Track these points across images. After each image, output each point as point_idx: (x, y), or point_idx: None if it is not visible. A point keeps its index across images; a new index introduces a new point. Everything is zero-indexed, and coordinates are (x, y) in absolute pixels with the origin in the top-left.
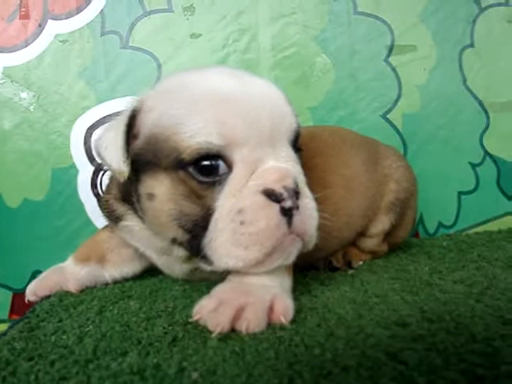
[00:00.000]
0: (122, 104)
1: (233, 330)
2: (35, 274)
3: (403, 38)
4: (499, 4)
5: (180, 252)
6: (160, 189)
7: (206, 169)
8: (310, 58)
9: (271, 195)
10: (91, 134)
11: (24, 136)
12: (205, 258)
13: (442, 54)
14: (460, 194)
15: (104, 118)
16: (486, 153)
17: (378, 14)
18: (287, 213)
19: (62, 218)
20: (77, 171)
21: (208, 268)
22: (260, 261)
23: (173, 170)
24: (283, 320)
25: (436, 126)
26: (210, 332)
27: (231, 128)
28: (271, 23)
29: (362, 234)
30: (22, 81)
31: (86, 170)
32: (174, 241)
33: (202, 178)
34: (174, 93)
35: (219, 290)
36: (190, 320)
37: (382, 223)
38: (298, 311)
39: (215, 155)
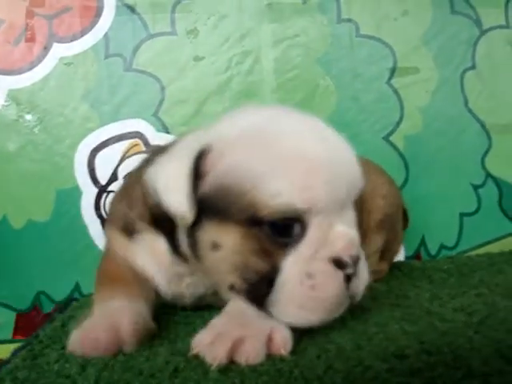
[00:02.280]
0: (125, 126)
1: (232, 361)
2: (39, 295)
3: (405, 60)
4: (500, 27)
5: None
6: (228, 240)
7: (282, 229)
8: (313, 80)
9: (339, 263)
10: (95, 157)
11: (28, 158)
12: (265, 311)
13: (443, 76)
14: (462, 215)
15: (108, 140)
16: (488, 174)
17: (381, 36)
18: (348, 278)
19: (65, 239)
20: (80, 193)
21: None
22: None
23: (246, 224)
24: (283, 351)
25: (438, 148)
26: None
27: (315, 194)
28: (274, 46)
29: None
30: (26, 103)
31: (89, 192)
32: (231, 287)
33: (276, 238)
34: (254, 144)
35: (216, 322)
36: (189, 354)
37: (375, 242)
38: (298, 341)
39: (294, 218)
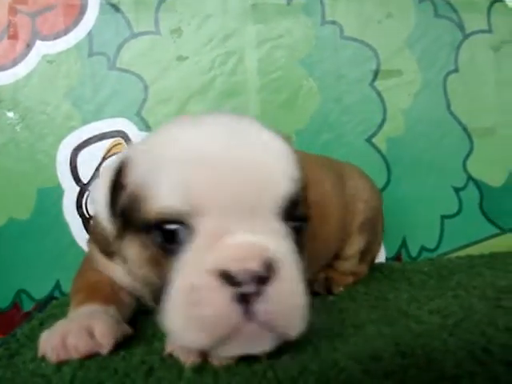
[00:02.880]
0: (108, 125)
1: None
2: (19, 293)
3: (389, 62)
4: (483, 31)
5: None
6: (130, 251)
7: (168, 235)
8: (297, 81)
9: (228, 278)
10: (77, 155)
11: (10, 155)
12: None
13: (426, 79)
14: (443, 217)
15: (90, 138)
16: (470, 177)
17: (364, 39)
18: (245, 299)
19: (46, 237)
20: (62, 191)
21: None
22: (209, 346)
23: (142, 233)
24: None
25: (420, 150)
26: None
27: (196, 193)
28: (258, 46)
29: (338, 256)
30: (8, 100)
31: (71, 191)
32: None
33: (164, 245)
34: (155, 149)
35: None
36: (164, 354)
37: (356, 244)
38: None
39: (177, 221)
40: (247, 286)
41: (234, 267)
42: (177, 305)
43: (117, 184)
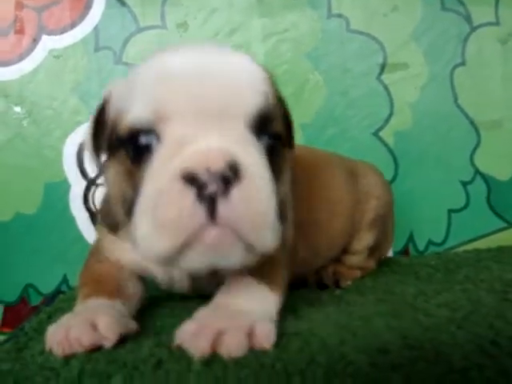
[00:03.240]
0: None
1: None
2: (27, 288)
3: (395, 56)
4: (490, 23)
5: None
6: (109, 174)
7: (140, 147)
8: (303, 75)
9: (191, 179)
10: (84, 150)
11: (17, 150)
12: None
13: (433, 72)
14: (450, 211)
15: None
16: (477, 171)
17: (371, 32)
18: (209, 200)
19: (53, 232)
20: (69, 186)
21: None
22: (174, 252)
23: (116, 152)
24: (265, 345)
25: (427, 144)
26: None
27: (164, 102)
28: (264, 40)
29: (346, 251)
30: (15, 95)
31: (78, 185)
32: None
33: (134, 157)
34: (131, 77)
35: (200, 315)
36: (173, 346)
37: (365, 240)
38: (281, 334)
39: (147, 131)
40: (211, 186)
41: (197, 168)
42: (143, 211)
43: (100, 121)
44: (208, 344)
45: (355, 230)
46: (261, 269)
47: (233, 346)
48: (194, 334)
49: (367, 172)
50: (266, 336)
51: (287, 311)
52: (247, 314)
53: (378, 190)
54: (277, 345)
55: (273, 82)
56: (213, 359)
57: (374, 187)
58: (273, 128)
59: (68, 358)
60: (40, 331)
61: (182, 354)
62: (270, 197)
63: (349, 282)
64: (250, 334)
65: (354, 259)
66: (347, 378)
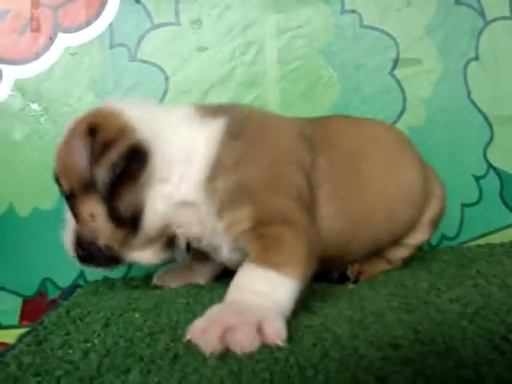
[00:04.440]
0: None
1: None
2: (45, 282)
3: (408, 51)
4: (504, 18)
5: None
6: None
7: None
8: (316, 70)
9: None
10: None
11: (34, 147)
12: None
13: (446, 68)
14: (463, 205)
15: None
16: (490, 165)
17: (384, 27)
18: None
19: None
20: None
21: None
22: None
23: None
24: (277, 341)
25: (440, 139)
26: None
27: None
28: (278, 36)
29: (399, 243)
30: (32, 93)
31: None
32: None
33: None
34: None
35: (212, 311)
36: (184, 340)
37: (420, 237)
38: (295, 329)
39: None
40: None
41: None
42: None
43: None
44: (216, 340)
45: (415, 226)
46: (269, 253)
47: (244, 342)
48: (204, 329)
49: (431, 171)
50: (274, 333)
51: (300, 306)
52: (256, 310)
53: (441, 191)
54: (290, 339)
55: None
56: (227, 354)
57: (438, 187)
58: None
59: (87, 352)
60: (59, 325)
61: (198, 349)
62: None
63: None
64: (260, 330)
65: (400, 252)
66: (359, 372)
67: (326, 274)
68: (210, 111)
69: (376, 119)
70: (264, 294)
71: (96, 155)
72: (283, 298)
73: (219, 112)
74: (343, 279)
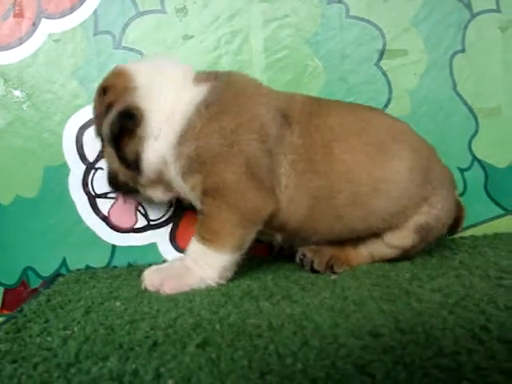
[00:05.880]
0: None
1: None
2: (26, 270)
3: (395, 42)
4: (491, 10)
5: None
6: None
7: None
8: (302, 60)
9: None
10: (83, 133)
11: (17, 134)
12: None
13: (432, 59)
14: None
15: None
16: (474, 158)
17: (370, 18)
18: None
19: (53, 215)
20: (68, 170)
21: None
22: None
23: None
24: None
25: (425, 131)
26: (190, 337)
27: None
28: (264, 26)
29: (381, 239)
30: (15, 79)
31: (77, 169)
32: None
33: None
34: None
35: (162, 265)
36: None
37: (404, 240)
38: (276, 317)
39: None
40: None
41: None
42: None
43: None
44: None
45: (398, 223)
46: (203, 230)
47: (166, 288)
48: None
49: (437, 175)
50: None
51: (282, 295)
52: (181, 272)
53: (436, 198)
54: (271, 328)
55: None
56: (207, 341)
57: (433, 193)
58: None
59: (65, 339)
60: (38, 313)
61: (177, 337)
62: None
63: (344, 267)
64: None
65: (384, 251)
66: (339, 360)
67: (295, 254)
68: (204, 77)
69: (384, 112)
70: (199, 263)
71: (102, 115)
72: (212, 267)
73: (208, 79)
74: (315, 271)
